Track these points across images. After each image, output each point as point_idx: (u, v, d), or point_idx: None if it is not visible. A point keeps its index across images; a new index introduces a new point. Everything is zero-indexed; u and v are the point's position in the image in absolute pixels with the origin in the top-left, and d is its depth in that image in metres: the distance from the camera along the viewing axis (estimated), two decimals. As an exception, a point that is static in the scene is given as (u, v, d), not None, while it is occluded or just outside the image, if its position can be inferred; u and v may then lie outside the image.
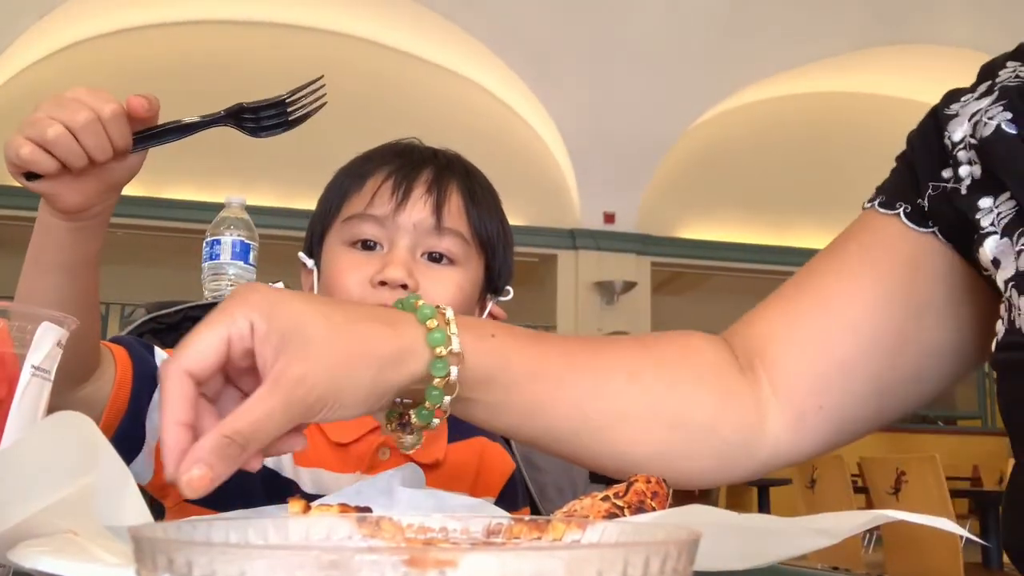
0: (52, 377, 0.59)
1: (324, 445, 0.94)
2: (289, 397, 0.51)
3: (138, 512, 0.40)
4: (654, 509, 0.49)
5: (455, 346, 0.59)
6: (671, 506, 0.51)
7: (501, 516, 0.31)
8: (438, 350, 0.59)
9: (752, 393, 0.71)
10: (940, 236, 0.69)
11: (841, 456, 4.00)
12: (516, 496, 1.03)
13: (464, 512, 0.40)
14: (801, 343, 0.71)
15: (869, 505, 4.46)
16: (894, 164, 0.76)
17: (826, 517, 0.44)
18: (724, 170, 9.40)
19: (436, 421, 0.62)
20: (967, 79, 0.73)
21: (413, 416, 0.62)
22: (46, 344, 0.57)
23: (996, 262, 0.62)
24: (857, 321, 0.70)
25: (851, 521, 0.44)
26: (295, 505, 0.44)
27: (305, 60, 8.75)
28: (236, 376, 0.55)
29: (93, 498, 0.38)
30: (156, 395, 0.87)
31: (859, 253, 0.72)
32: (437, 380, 0.59)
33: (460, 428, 1.02)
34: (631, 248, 8.87)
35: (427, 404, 0.61)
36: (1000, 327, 0.62)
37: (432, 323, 0.59)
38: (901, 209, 0.71)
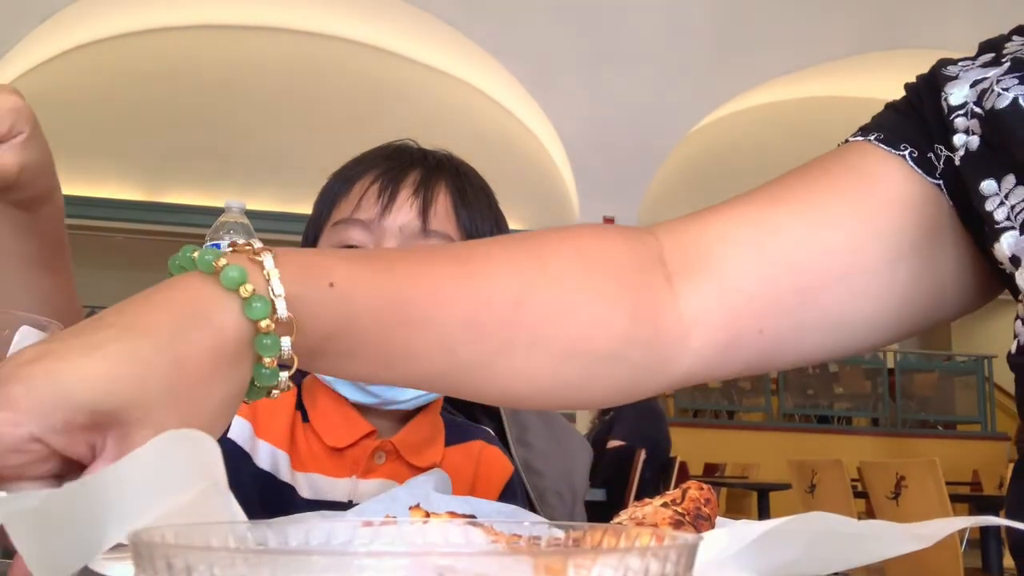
0: None
1: (320, 450, 0.94)
2: None
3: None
4: (708, 516, 0.49)
5: (281, 312, 0.46)
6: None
7: (540, 521, 0.31)
8: (262, 323, 0.46)
9: (676, 304, 0.61)
10: (944, 191, 0.64)
11: (841, 461, 4.00)
12: (515, 500, 1.03)
13: (501, 518, 0.40)
14: (764, 255, 0.62)
15: (869, 510, 4.45)
16: (884, 108, 0.70)
17: (925, 524, 0.46)
18: (723, 174, 9.40)
19: (276, 392, 0.50)
20: (967, 82, 0.71)
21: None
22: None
23: (1016, 260, 0.58)
24: (835, 246, 0.63)
25: (948, 526, 0.46)
26: (416, 514, 0.44)
27: (305, 64, 8.76)
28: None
29: (194, 516, 0.37)
30: None
31: (852, 180, 0.65)
32: (268, 360, 0.47)
33: (457, 432, 1.02)
34: (631, 252, 8.87)
35: (256, 384, 0.48)
36: (1020, 327, 0.59)
37: (246, 289, 0.46)
38: (906, 152, 0.65)
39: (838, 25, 8.56)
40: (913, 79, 0.71)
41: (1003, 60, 0.63)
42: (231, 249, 0.49)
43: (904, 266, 0.64)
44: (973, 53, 0.68)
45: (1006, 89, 0.60)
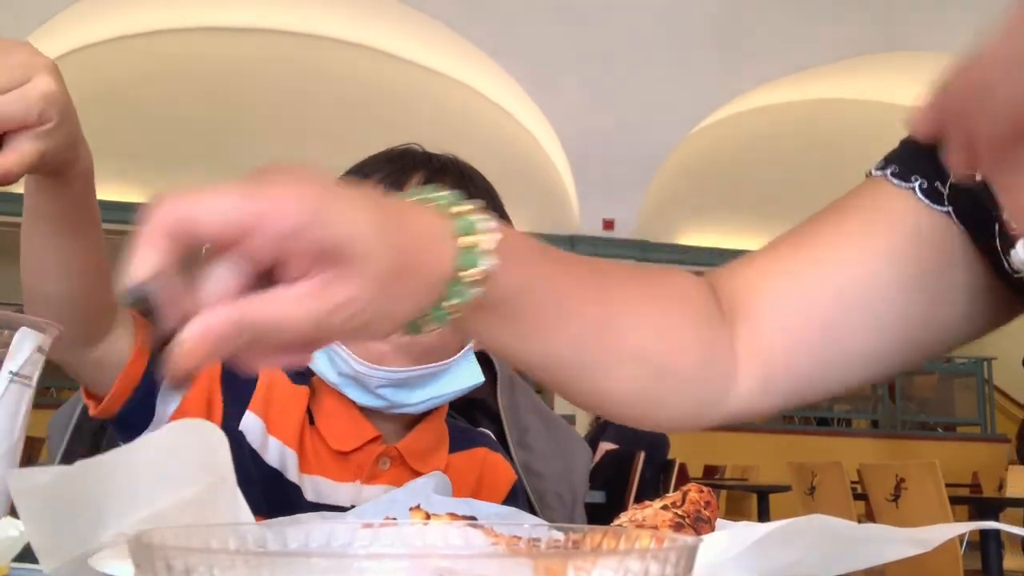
0: (33, 383, 0.59)
1: (325, 453, 0.94)
2: (330, 315, 0.44)
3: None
4: (708, 519, 0.50)
5: (485, 267, 0.51)
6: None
7: (540, 523, 0.31)
8: (467, 272, 0.50)
9: (730, 345, 0.70)
10: (955, 217, 0.68)
11: (840, 463, 4.00)
12: (518, 506, 1.03)
13: (500, 520, 0.41)
14: (785, 301, 0.70)
15: (868, 512, 4.45)
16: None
17: (926, 529, 0.48)
18: (723, 176, 9.41)
19: (426, 330, 0.53)
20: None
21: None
22: (25, 350, 0.57)
23: None
24: (846, 286, 0.69)
25: (949, 531, 0.47)
26: (416, 515, 0.45)
27: (303, 66, 8.76)
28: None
29: (201, 509, 0.37)
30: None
31: (861, 218, 0.71)
32: (447, 304, 0.51)
33: (462, 439, 1.02)
34: (630, 254, 8.87)
35: (420, 321, 0.52)
36: None
37: (469, 240, 0.50)
38: (916, 184, 0.69)
39: (838, 27, 8.57)
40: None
41: None
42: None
43: (917, 295, 0.69)
44: None
45: None
